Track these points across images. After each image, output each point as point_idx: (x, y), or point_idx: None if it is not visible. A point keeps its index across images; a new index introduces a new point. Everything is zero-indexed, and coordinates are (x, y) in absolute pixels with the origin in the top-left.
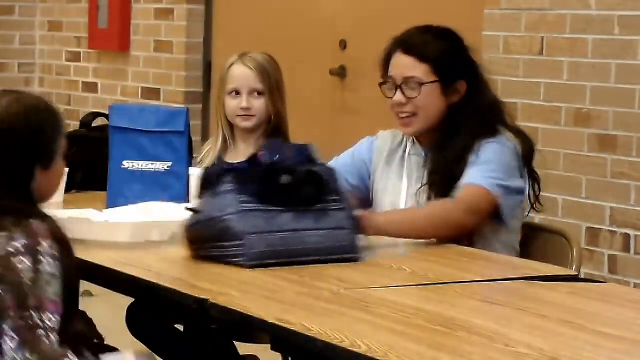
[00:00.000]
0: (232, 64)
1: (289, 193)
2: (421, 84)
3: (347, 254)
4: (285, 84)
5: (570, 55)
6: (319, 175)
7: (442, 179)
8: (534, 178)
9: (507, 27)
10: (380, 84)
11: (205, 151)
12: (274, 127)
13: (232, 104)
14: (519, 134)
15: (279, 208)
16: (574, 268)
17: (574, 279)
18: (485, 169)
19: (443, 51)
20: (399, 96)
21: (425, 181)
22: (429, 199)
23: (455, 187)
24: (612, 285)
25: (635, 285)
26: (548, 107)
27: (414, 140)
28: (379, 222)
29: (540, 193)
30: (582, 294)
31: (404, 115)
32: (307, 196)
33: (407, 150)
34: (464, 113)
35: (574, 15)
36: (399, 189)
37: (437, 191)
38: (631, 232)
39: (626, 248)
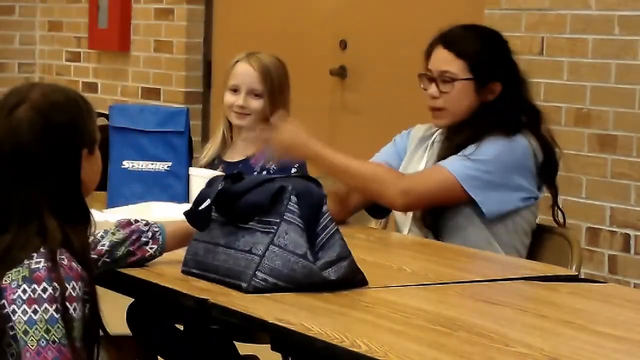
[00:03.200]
0: (237, 61)
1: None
2: (455, 80)
3: (235, 280)
4: (289, 88)
5: (570, 55)
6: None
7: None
8: (552, 191)
9: (507, 27)
10: (419, 75)
11: (206, 150)
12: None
13: (230, 100)
14: (545, 143)
15: (222, 219)
16: (574, 268)
17: (574, 279)
18: (471, 159)
19: (482, 50)
20: (433, 89)
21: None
22: None
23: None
24: (612, 285)
25: (635, 285)
26: (548, 107)
27: (443, 132)
28: (315, 145)
29: (557, 207)
30: (582, 294)
31: (435, 109)
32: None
33: (434, 139)
34: (493, 112)
35: (574, 15)
36: (415, 170)
37: None
38: (631, 232)
39: (626, 248)
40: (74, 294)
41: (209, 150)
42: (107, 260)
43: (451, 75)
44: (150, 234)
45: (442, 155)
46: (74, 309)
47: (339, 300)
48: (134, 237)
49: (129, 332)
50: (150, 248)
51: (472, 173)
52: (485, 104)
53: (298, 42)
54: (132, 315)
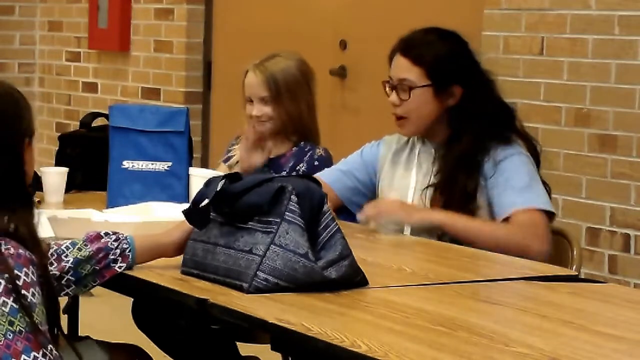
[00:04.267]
0: (247, 72)
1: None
2: (412, 88)
3: (236, 280)
4: (308, 89)
5: (570, 55)
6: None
7: (447, 179)
8: (544, 184)
9: (507, 27)
10: (384, 82)
11: (234, 149)
12: (296, 131)
13: (248, 110)
14: (527, 140)
15: (220, 219)
16: (574, 268)
17: (574, 279)
18: (531, 188)
19: (439, 55)
20: (393, 97)
21: (431, 180)
22: (433, 198)
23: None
24: (612, 285)
25: (635, 285)
26: (548, 107)
27: (423, 140)
28: (437, 214)
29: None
30: (582, 294)
31: (397, 117)
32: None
33: (417, 150)
34: (465, 116)
35: (574, 15)
36: (407, 185)
37: (442, 191)
38: (631, 232)
39: (626, 248)
40: (28, 280)
41: (238, 152)
42: (72, 278)
43: (408, 84)
44: (118, 251)
45: (441, 169)
46: (32, 295)
47: (339, 300)
48: (100, 255)
49: (128, 332)
50: (119, 267)
51: (546, 199)
52: (452, 109)
53: (298, 42)
54: (138, 309)
